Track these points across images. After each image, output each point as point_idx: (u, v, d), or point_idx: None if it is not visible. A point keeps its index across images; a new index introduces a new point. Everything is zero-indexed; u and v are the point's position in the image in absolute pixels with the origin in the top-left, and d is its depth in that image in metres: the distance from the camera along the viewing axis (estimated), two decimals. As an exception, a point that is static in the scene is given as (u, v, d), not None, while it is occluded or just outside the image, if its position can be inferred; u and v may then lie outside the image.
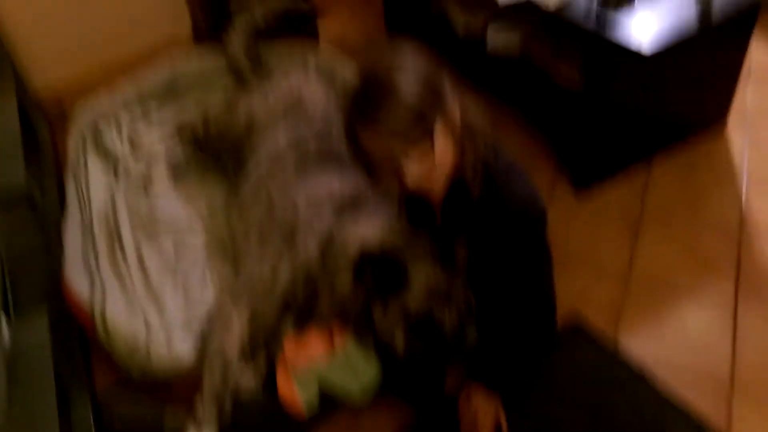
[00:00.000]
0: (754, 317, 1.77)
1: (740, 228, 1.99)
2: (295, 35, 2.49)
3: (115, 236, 1.87)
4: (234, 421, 1.46)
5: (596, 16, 1.80)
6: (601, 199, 2.13)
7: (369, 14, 3.07)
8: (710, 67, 2.10)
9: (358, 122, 1.30)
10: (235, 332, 1.52)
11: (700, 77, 2.11)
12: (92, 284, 1.68)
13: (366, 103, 1.27)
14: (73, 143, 2.16)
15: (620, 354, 1.70)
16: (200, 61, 2.37)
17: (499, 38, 2.38)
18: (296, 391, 1.47)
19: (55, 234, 1.90)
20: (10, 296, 1.25)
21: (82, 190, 2.00)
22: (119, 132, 2.22)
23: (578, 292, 1.87)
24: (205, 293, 1.72)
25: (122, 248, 1.83)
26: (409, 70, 1.27)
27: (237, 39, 2.25)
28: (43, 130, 2.45)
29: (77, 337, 1.74)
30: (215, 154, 2.09)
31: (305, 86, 2.01)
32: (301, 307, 1.58)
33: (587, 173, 2.14)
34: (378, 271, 1.46)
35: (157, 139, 2.19)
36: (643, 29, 1.78)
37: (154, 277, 1.75)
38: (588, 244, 2.00)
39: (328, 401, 1.50)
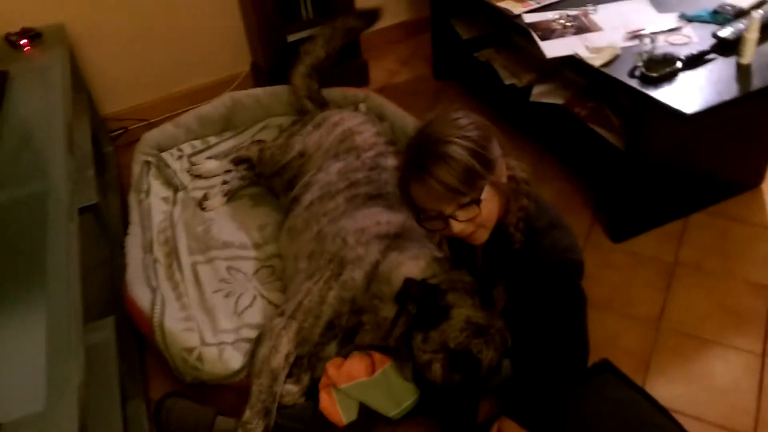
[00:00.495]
0: (781, 374, 1.81)
1: (772, 286, 2.03)
2: (347, 82, 2.65)
3: (173, 254, 2.00)
4: (278, 425, 1.55)
5: (640, 75, 1.90)
6: (636, 247, 2.19)
7: (417, 61, 3.23)
8: (748, 130, 2.18)
9: (412, 177, 1.38)
10: (283, 351, 1.61)
11: (738, 140, 2.18)
12: (153, 297, 1.80)
13: (421, 159, 1.36)
14: (137, 168, 2.32)
15: (647, 393, 1.74)
16: (257, 99, 2.54)
17: (543, 89, 2.50)
18: (337, 407, 1.56)
19: (117, 248, 2.04)
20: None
21: (144, 211, 2.15)
22: (180, 161, 2.38)
23: (610, 336, 1.92)
24: (255, 312, 1.83)
25: (180, 266, 1.95)
26: (464, 133, 1.35)
27: (300, 80, 2.40)
28: (109, 153, 2.64)
29: (135, 342, 1.86)
30: (267, 179, 2.23)
31: (357, 129, 2.13)
32: (346, 331, 1.68)
33: (623, 227, 2.21)
34: (420, 303, 1.55)
35: (214, 168, 2.34)
36: (685, 91, 1.85)
37: (208, 293, 1.87)
38: (622, 291, 2.06)
39: (367, 415, 1.57)
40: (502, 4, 2.33)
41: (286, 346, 1.62)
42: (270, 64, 2.82)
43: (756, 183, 2.37)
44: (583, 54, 2.01)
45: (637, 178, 2.09)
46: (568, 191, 2.43)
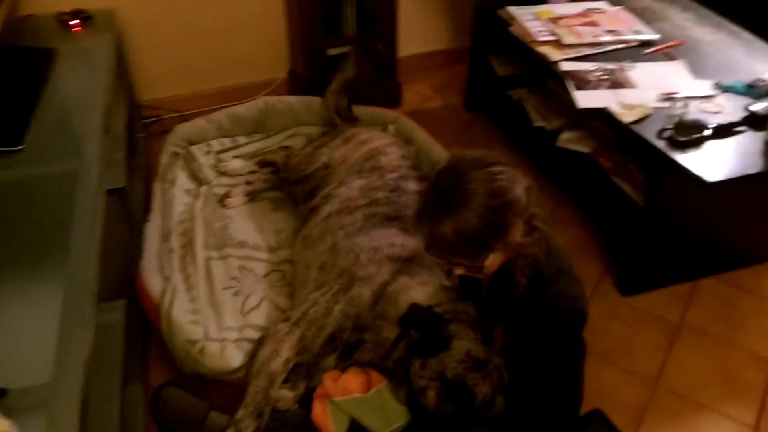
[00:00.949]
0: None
1: (773, 361, 2.04)
2: (380, 102, 2.69)
3: (189, 246, 2.04)
4: (269, 428, 1.57)
5: (668, 138, 1.93)
6: (643, 304, 2.20)
7: (451, 90, 3.27)
8: (768, 204, 2.20)
9: (425, 214, 1.40)
10: (283, 356, 1.64)
11: (757, 213, 2.20)
12: (164, 286, 1.84)
13: (438, 201, 1.37)
14: (166, 157, 2.37)
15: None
16: (290, 106, 2.58)
17: (571, 136, 2.53)
18: (328, 419, 1.58)
19: (136, 233, 2.09)
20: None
21: (167, 200, 2.19)
22: (207, 156, 2.43)
23: (606, 388, 1.93)
24: (261, 314, 1.86)
25: (194, 259, 1.99)
26: (488, 192, 1.33)
27: (331, 96, 2.45)
28: (140, 139, 2.70)
29: (141, 327, 1.90)
30: (290, 186, 2.27)
31: (383, 150, 2.17)
32: (346, 346, 1.70)
33: (633, 282, 2.23)
34: (422, 328, 1.57)
35: (240, 167, 2.38)
36: (710, 159, 1.88)
37: (218, 290, 1.90)
38: (624, 345, 2.07)
39: (357, 431, 1.59)
40: (541, 49, 2.38)
41: (286, 351, 1.65)
42: (307, 75, 2.87)
43: (771, 254, 2.38)
44: (615, 109, 2.05)
45: (653, 235, 2.11)
46: (584, 238, 2.45)
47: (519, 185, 1.38)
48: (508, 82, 2.91)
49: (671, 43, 2.40)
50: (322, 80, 2.54)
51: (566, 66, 2.29)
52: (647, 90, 2.15)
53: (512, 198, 1.36)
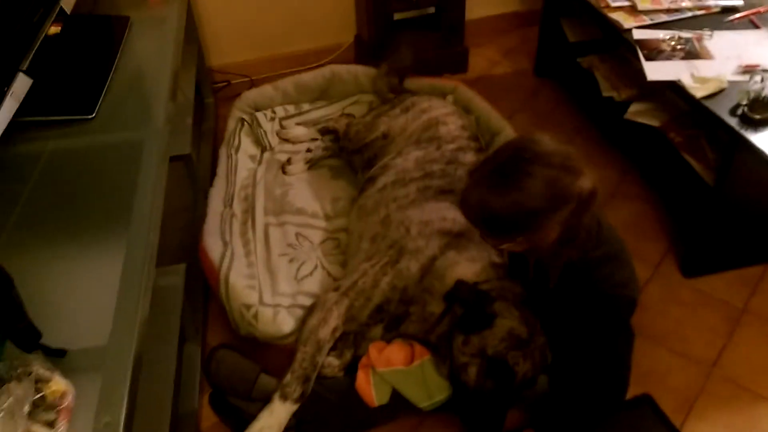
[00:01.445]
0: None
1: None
2: (446, 68, 2.65)
3: (249, 212, 2.11)
4: (314, 392, 1.64)
5: (741, 115, 1.82)
6: (706, 286, 2.12)
7: (519, 54, 3.18)
8: None
9: (470, 182, 1.42)
10: (331, 324, 1.70)
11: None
12: (224, 250, 1.93)
13: (485, 174, 1.38)
14: (232, 123, 2.45)
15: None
16: (355, 75, 2.59)
17: (641, 108, 2.42)
18: (372, 388, 1.64)
19: (201, 197, 2.18)
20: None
21: (231, 166, 2.27)
22: (272, 122, 2.49)
23: (659, 371, 1.89)
24: (314, 281, 1.92)
25: (254, 224, 2.07)
26: (534, 184, 1.31)
27: (381, 81, 2.46)
28: (210, 104, 2.78)
29: (202, 288, 2.00)
30: (349, 154, 2.30)
31: (443, 119, 2.16)
32: (392, 318, 1.74)
33: (698, 263, 2.14)
34: (466, 305, 1.59)
35: (302, 134, 2.43)
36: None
37: (274, 256, 1.98)
38: (681, 328, 2.01)
39: (399, 402, 1.64)
40: (614, 15, 2.26)
41: (335, 320, 1.70)
42: (373, 39, 2.86)
43: None
44: (687, 82, 1.94)
45: (721, 216, 2.01)
46: (648, 214, 2.36)
47: (572, 184, 1.32)
48: (580, 48, 2.79)
49: (758, 9, 2.23)
50: (387, 45, 2.53)
51: (638, 34, 2.17)
52: (725, 61, 2.01)
53: (557, 204, 1.33)
